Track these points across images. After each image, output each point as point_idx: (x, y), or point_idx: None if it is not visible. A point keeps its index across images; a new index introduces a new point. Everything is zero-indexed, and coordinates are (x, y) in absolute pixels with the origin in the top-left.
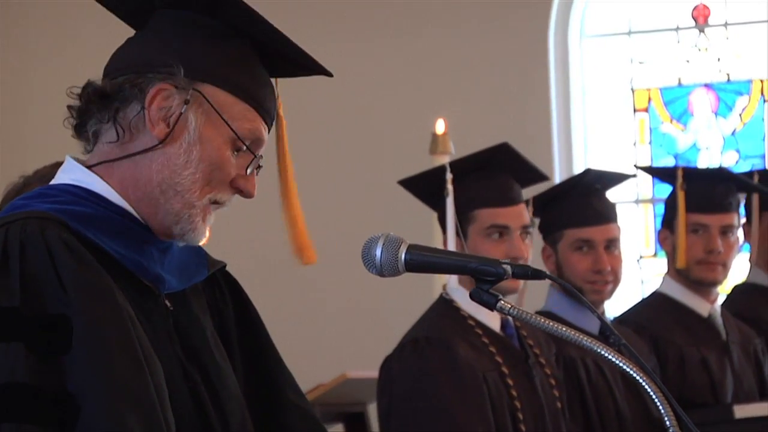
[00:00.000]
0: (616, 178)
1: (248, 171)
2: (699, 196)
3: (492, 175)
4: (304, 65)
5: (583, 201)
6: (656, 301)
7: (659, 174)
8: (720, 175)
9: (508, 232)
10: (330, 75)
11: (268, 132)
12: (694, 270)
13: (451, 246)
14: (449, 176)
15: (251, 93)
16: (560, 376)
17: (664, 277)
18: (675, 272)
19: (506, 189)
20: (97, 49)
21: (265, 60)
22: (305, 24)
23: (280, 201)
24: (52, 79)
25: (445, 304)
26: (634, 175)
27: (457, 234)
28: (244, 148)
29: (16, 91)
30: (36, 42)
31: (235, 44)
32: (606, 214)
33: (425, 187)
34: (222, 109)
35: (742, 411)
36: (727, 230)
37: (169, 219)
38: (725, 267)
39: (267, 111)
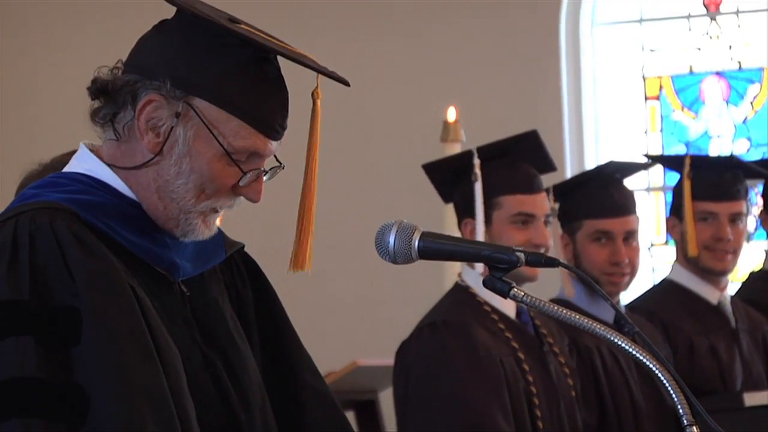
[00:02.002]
0: (635, 168)
1: (242, 182)
2: (707, 184)
3: (518, 161)
4: (317, 71)
5: (604, 191)
6: (666, 289)
7: (667, 162)
8: (728, 162)
9: (534, 219)
10: (347, 84)
11: (279, 140)
12: (704, 258)
13: (480, 232)
14: (477, 161)
15: (248, 110)
16: (574, 365)
17: (673, 265)
18: (684, 260)
19: (533, 176)
20: (101, 39)
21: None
22: (320, 14)
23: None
24: (57, 69)
25: (460, 291)
26: (653, 164)
27: (489, 222)
28: (242, 161)
29: (21, 83)
30: (40, 32)
31: (237, 57)
32: (626, 206)
33: (447, 172)
34: (213, 125)
35: (751, 399)
36: (735, 218)
37: (170, 223)
38: (734, 255)
39: (269, 125)
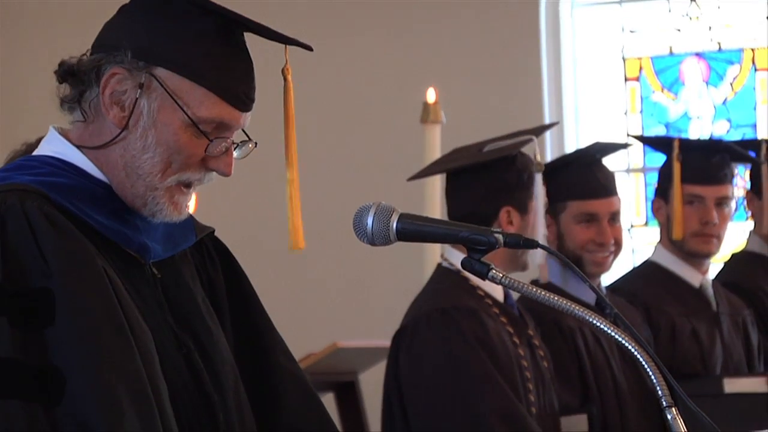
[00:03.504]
0: (615, 147)
1: (208, 151)
2: (695, 167)
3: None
4: (280, 40)
5: (588, 173)
6: (648, 270)
7: (654, 144)
8: (716, 146)
9: None
10: (310, 49)
11: (246, 111)
12: (690, 242)
13: (540, 221)
14: (538, 150)
15: (211, 78)
16: (545, 348)
17: (656, 247)
18: (668, 242)
19: None
20: (93, 23)
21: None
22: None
23: (285, 179)
24: (47, 54)
25: (451, 275)
26: (631, 144)
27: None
28: (209, 131)
29: (11, 66)
30: (31, 16)
31: (198, 25)
32: (610, 187)
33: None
34: (177, 95)
35: (731, 385)
36: (722, 202)
37: (137, 201)
38: (719, 239)
39: (234, 94)
